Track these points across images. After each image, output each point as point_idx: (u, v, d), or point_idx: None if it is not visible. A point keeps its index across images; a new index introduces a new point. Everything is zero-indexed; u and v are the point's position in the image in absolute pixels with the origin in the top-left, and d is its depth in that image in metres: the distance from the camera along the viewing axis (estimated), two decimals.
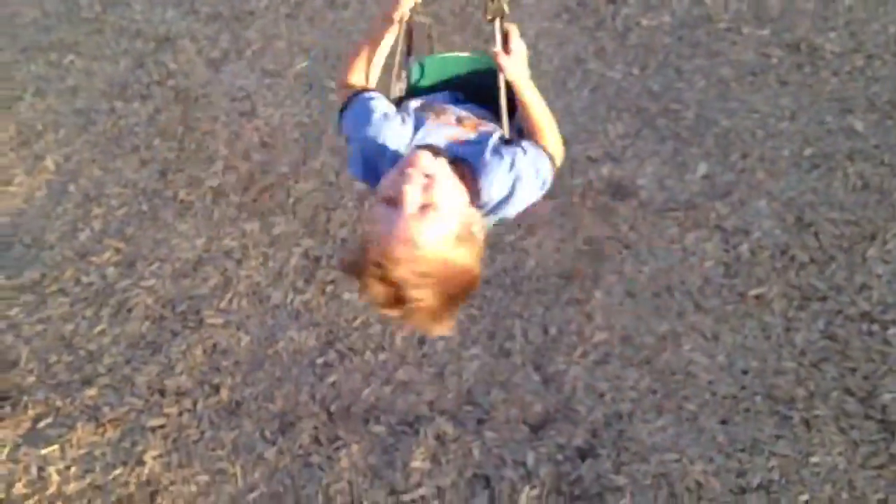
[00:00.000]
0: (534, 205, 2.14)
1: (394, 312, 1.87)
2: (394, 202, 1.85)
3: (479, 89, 2.42)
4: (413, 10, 2.29)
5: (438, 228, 1.84)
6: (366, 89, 2.30)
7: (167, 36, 5.44)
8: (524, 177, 2.08)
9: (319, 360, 3.73)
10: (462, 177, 1.99)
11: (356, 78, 2.35)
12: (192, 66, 5.24)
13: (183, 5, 5.65)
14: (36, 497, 3.36)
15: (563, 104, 4.75)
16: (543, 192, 2.13)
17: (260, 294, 4.01)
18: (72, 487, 3.37)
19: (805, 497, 3.12)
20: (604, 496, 3.20)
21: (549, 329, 3.75)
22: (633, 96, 4.81)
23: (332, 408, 3.56)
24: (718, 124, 4.61)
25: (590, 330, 3.72)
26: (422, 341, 3.75)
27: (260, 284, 4.05)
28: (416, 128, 2.20)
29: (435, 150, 2.01)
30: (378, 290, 1.84)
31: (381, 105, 2.23)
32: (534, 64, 5.03)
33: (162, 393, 3.68)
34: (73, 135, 4.84)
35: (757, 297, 3.81)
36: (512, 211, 2.11)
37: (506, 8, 2.19)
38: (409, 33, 2.44)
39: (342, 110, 2.28)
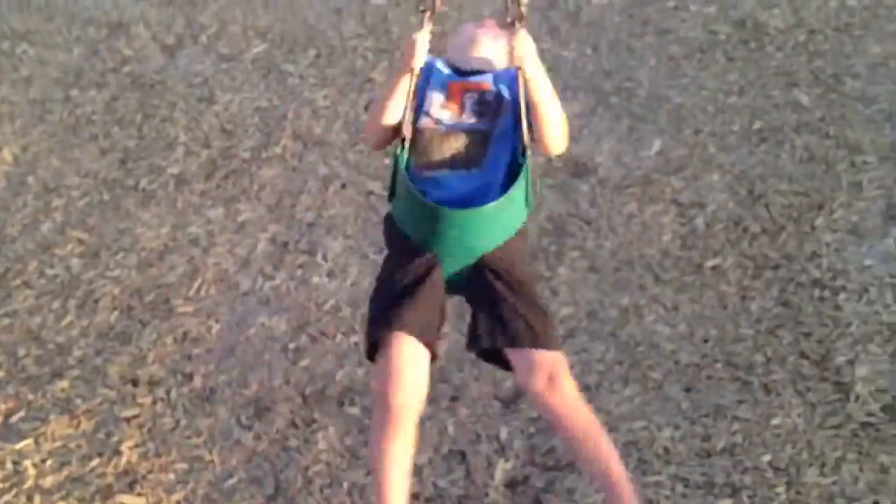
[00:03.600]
0: None
1: None
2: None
3: None
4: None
5: None
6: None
7: (120, 22, 5.42)
8: None
9: (291, 345, 3.78)
10: None
11: (385, 124, 2.55)
12: (147, 52, 5.23)
13: None
14: (14, 491, 3.37)
15: None
16: None
17: (228, 281, 4.05)
18: (49, 480, 3.39)
19: (767, 458, 3.26)
20: (576, 466, 3.30)
21: None
22: (587, 75, 4.93)
23: (307, 391, 3.62)
24: (670, 101, 4.74)
25: (556, 305, 3.83)
26: None
27: (228, 271, 4.09)
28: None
29: None
30: None
31: None
32: None
33: (134, 383, 3.71)
34: (30, 125, 4.82)
35: (713, 267, 3.95)
36: None
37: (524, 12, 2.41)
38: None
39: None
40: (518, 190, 2.43)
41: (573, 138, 4.47)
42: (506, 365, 2.48)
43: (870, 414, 3.38)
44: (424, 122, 2.52)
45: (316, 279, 3.98)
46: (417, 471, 3.33)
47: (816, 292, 3.81)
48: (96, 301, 4.02)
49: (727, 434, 3.37)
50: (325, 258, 4.07)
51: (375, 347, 2.41)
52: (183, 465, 3.44)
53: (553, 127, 2.51)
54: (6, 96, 4.99)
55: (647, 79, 4.86)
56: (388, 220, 2.62)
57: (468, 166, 2.46)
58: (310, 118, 4.79)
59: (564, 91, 4.79)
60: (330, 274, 4.02)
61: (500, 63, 2.58)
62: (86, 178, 4.56)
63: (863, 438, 3.31)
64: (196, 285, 4.03)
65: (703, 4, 5.30)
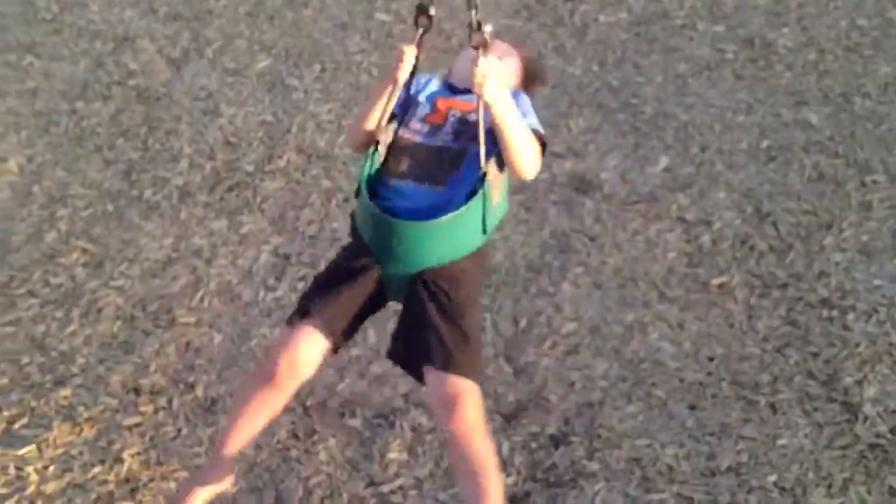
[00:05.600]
0: None
1: None
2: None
3: None
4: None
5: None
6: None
7: (126, 36, 5.43)
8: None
9: None
10: None
11: (364, 127, 2.62)
12: (153, 66, 5.23)
13: (141, 5, 5.64)
14: (15, 497, 3.34)
15: None
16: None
17: (231, 292, 4.02)
18: (51, 487, 3.36)
19: (773, 478, 3.22)
20: (578, 482, 3.27)
21: (520, 321, 3.82)
22: (593, 92, 4.92)
23: (308, 402, 3.59)
24: (677, 118, 4.72)
25: (559, 321, 3.80)
26: None
27: (230, 283, 4.07)
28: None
29: None
30: None
31: None
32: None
33: (137, 392, 3.68)
34: (35, 136, 4.82)
35: (720, 285, 3.91)
36: None
37: (488, 39, 2.37)
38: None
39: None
40: (470, 213, 2.44)
41: (578, 154, 4.51)
42: (421, 378, 2.53)
43: (878, 435, 3.34)
44: (402, 132, 2.60)
45: None
46: (418, 484, 3.30)
47: (824, 312, 3.78)
48: (100, 310, 4.00)
49: (732, 453, 3.33)
50: None
51: (291, 321, 2.60)
52: (184, 474, 3.40)
53: (517, 154, 2.46)
54: (12, 108, 4.99)
55: (653, 96, 4.85)
56: (352, 216, 2.69)
57: (434, 182, 2.49)
58: (314, 132, 4.78)
59: (570, 107, 4.80)
60: None
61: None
62: (90, 188, 4.55)
63: (871, 460, 3.27)
64: (199, 296, 4.01)
65: (711, 23, 5.30)
